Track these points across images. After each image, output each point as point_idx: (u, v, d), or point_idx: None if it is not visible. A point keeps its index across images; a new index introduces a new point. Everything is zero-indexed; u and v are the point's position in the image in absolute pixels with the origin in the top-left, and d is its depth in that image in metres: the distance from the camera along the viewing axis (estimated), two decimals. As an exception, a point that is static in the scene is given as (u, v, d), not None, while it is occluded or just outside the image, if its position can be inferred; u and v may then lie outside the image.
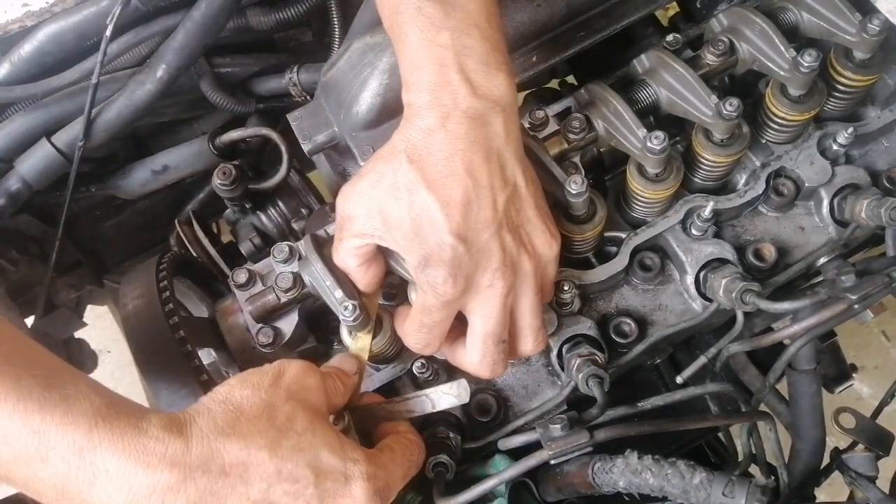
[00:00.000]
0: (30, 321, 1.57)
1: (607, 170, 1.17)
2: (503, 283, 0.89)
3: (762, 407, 1.15)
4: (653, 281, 1.12)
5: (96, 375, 1.79)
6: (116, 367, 2.50)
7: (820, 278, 1.15)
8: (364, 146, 1.12)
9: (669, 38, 1.14)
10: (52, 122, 1.29)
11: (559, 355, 1.05)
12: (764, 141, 1.13)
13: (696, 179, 1.13)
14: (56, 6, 1.22)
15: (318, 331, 1.12)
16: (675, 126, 1.16)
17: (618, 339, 1.08)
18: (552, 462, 0.94)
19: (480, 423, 1.05)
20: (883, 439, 1.14)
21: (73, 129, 1.28)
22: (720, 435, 1.34)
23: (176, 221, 1.49)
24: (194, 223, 1.47)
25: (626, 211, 1.13)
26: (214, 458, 0.77)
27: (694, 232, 1.10)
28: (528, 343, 0.96)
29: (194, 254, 1.43)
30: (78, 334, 1.75)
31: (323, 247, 1.02)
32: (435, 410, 0.97)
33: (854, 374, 1.33)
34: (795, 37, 1.12)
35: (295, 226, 1.38)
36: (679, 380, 1.13)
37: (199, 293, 1.29)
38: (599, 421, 0.96)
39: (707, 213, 1.07)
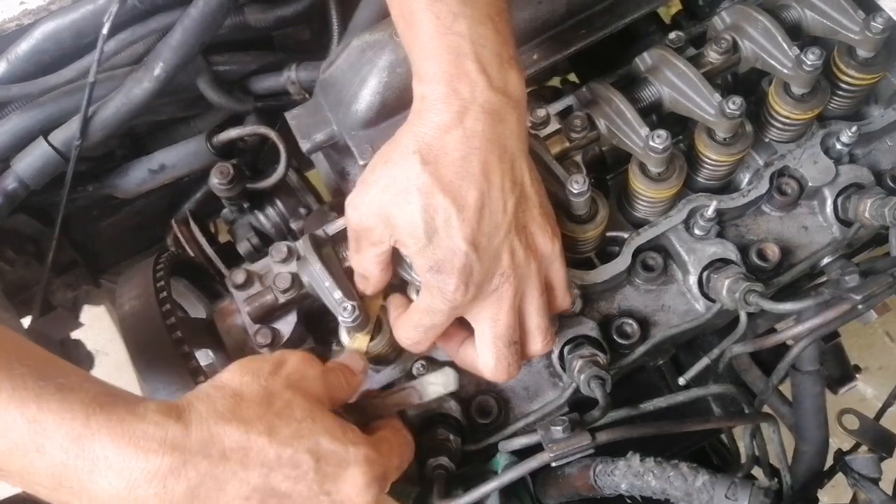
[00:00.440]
0: (26, 321, 1.56)
1: (609, 169, 1.17)
2: (510, 285, 0.88)
3: (765, 408, 1.14)
4: (655, 281, 1.11)
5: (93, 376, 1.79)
6: (113, 368, 2.48)
7: (823, 278, 1.14)
8: (363, 145, 1.11)
9: (672, 35, 1.14)
10: (48, 121, 1.28)
11: (561, 356, 1.04)
12: (767, 140, 1.13)
13: (698, 179, 1.12)
14: (53, 4, 1.21)
15: (317, 331, 1.12)
16: (678, 125, 1.15)
17: (620, 340, 1.07)
18: (554, 464, 0.93)
19: (481, 426, 1.05)
20: (887, 441, 1.13)
21: (70, 127, 1.27)
22: (723, 437, 1.33)
23: (173, 221, 1.48)
24: (191, 223, 1.46)
25: (628, 210, 1.12)
26: (214, 442, 0.77)
27: (697, 232, 1.09)
28: (538, 343, 0.95)
29: (191, 254, 1.42)
30: (74, 335, 1.74)
31: (322, 247, 1.01)
32: (423, 401, 0.96)
33: (858, 375, 1.32)
34: (799, 35, 1.11)
35: (293, 225, 1.37)
36: (682, 381, 1.13)
37: (197, 293, 1.28)
38: (601, 423, 0.95)
39: (710, 212, 1.06)
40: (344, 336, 1.01)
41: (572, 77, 1.46)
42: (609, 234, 1.12)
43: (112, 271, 1.72)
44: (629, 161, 1.07)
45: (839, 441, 1.23)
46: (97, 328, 2.29)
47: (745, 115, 1.02)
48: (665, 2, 1.21)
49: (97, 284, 1.70)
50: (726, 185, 1.14)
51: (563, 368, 1.05)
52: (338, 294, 0.96)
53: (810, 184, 1.11)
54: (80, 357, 1.68)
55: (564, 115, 1.11)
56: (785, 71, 1.05)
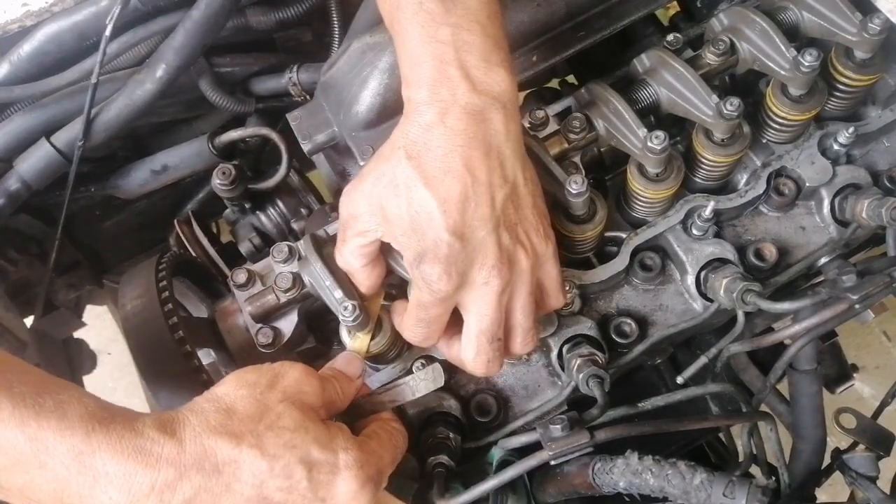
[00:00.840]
0: (29, 321, 1.57)
1: (608, 169, 1.17)
2: (499, 280, 0.89)
3: (763, 407, 1.15)
4: (653, 281, 1.11)
5: (95, 376, 1.80)
6: (116, 368, 2.49)
7: (821, 278, 1.15)
8: (364, 146, 1.12)
9: (670, 37, 1.14)
10: (51, 122, 1.29)
11: (559, 355, 1.05)
12: (765, 140, 1.13)
13: (696, 179, 1.12)
14: (55, 6, 1.22)
15: (318, 331, 1.12)
16: (676, 126, 1.16)
17: (618, 340, 1.08)
18: (552, 462, 0.93)
19: (480, 424, 1.05)
20: (884, 439, 1.13)
21: (73, 128, 1.28)
22: (721, 435, 1.33)
23: (175, 221, 1.49)
24: (193, 223, 1.46)
25: (626, 211, 1.13)
26: (208, 456, 0.79)
27: (695, 232, 1.09)
28: (517, 343, 0.96)
29: (193, 254, 1.43)
30: (77, 334, 1.74)
31: (323, 247, 1.01)
32: (415, 397, 0.98)
33: (855, 375, 1.33)
34: (796, 36, 1.12)
35: (294, 226, 1.38)
36: (680, 380, 1.13)
37: (199, 293, 1.28)
38: (600, 421, 0.96)
39: (708, 212, 1.07)
40: (345, 335, 1.02)
41: (571, 79, 1.46)
42: (607, 234, 1.12)
43: (115, 271, 1.72)
44: (627, 162, 1.08)
45: (836, 440, 1.24)
46: (99, 328, 2.30)
47: (742, 116, 1.02)
48: (663, 4, 1.22)
49: (100, 284, 1.71)
50: (724, 186, 1.15)
51: (562, 367, 1.05)
52: (338, 293, 0.96)
53: (807, 184, 1.11)
54: (83, 357, 1.69)
55: (563, 116, 1.11)
56: (782, 72, 1.05)
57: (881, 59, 1.09)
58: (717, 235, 1.11)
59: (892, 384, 1.24)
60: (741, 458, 1.16)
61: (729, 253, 1.08)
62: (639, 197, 1.08)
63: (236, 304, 1.07)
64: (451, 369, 1.06)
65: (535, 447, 0.95)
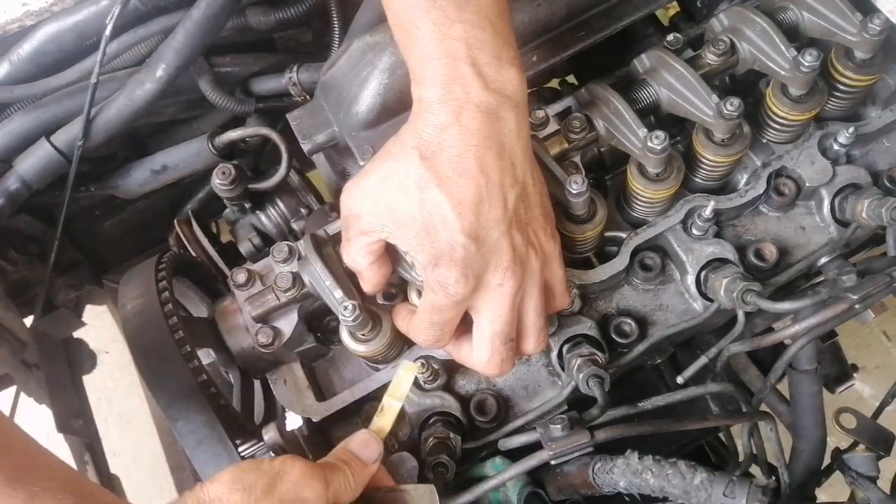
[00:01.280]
0: (29, 321, 1.57)
1: (608, 169, 1.17)
2: (513, 281, 0.88)
3: (763, 407, 1.15)
4: (653, 281, 1.11)
5: (95, 376, 1.80)
6: (115, 368, 2.49)
7: (821, 278, 1.14)
8: (364, 146, 1.12)
9: (670, 37, 1.14)
10: (51, 122, 1.29)
11: (559, 355, 1.05)
12: (765, 140, 1.13)
13: (696, 179, 1.12)
14: (55, 6, 1.22)
15: (318, 331, 1.12)
16: (676, 126, 1.16)
17: (618, 339, 1.08)
18: (553, 462, 0.93)
19: (480, 424, 1.05)
20: (884, 439, 1.13)
21: (73, 128, 1.28)
22: (721, 435, 1.33)
23: (175, 221, 1.49)
24: (193, 223, 1.46)
25: (626, 211, 1.13)
26: None
27: (695, 232, 1.09)
28: (531, 342, 0.96)
29: (193, 254, 1.43)
30: (77, 334, 1.75)
31: (322, 246, 1.01)
32: None
33: (855, 374, 1.32)
34: (796, 36, 1.12)
35: (294, 226, 1.38)
36: (680, 380, 1.13)
37: (199, 293, 1.28)
38: (600, 421, 0.96)
39: (708, 212, 1.07)
40: (345, 335, 1.02)
41: (571, 79, 1.46)
42: (608, 234, 1.12)
43: (114, 271, 1.72)
44: (627, 162, 1.08)
45: (837, 439, 1.24)
46: (99, 327, 2.30)
47: (742, 116, 1.02)
48: (663, 4, 1.22)
49: (100, 284, 1.71)
50: (724, 186, 1.15)
51: (562, 367, 1.05)
52: (338, 293, 0.96)
53: (808, 184, 1.11)
54: (83, 357, 1.69)
55: (563, 116, 1.11)
56: (782, 72, 1.05)
57: (881, 59, 1.09)
58: (718, 235, 1.11)
59: (892, 384, 1.24)
60: (741, 458, 1.16)
61: (729, 253, 1.08)
62: (639, 197, 1.08)
63: (236, 303, 1.07)
64: (451, 370, 1.06)
65: (535, 447, 0.95)
